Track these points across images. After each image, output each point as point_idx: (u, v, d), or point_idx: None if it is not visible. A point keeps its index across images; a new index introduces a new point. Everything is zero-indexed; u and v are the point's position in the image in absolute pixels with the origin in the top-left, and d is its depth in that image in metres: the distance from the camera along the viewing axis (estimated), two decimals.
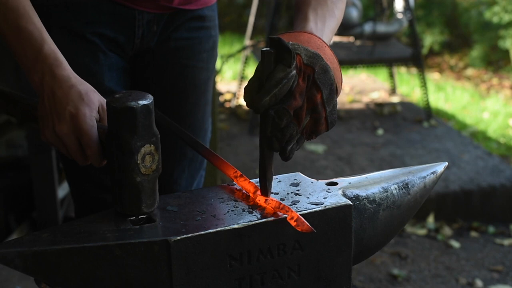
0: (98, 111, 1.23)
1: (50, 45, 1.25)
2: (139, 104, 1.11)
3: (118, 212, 1.16)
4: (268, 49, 1.13)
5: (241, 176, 1.25)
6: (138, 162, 1.12)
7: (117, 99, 1.13)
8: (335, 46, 5.13)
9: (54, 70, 1.23)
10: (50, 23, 1.46)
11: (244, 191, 1.24)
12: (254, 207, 1.18)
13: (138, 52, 1.59)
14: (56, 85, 1.22)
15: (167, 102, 1.62)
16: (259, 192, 1.21)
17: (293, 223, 1.12)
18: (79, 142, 1.21)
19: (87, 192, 1.60)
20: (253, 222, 1.12)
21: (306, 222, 1.11)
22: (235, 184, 1.27)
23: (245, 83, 1.17)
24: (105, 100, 1.21)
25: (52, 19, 1.46)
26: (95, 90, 1.25)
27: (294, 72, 1.13)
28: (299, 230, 1.11)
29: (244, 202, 1.20)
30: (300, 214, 1.13)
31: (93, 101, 1.22)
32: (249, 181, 1.24)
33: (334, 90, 1.20)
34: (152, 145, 1.14)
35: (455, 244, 3.44)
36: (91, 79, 1.51)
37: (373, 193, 1.28)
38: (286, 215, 1.13)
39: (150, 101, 1.13)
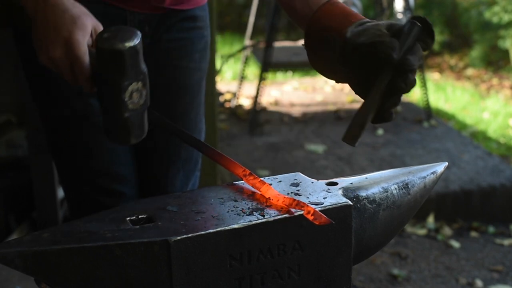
0: (91, 35, 1.22)
1: None
2: (126, 46, 1.11)
3: (118, 212, 1.15)
4: (419, 24, 1.16)
5: (250, 174, 1.24)
6: (126, 99, 1.13)
7: (105, 39, 1.12)
8: None
9: None
10: None
11: (251, 189, 1.23)
12: (264, 205, 1.17)
13: None
14: (49, 10, 1.21)
15: (161, 103, 1.61)
16: (269, 190, 1.20)
17: (310, 218, 1.12)
18: (72, 66, 1.20)
19: (85, 195, 1.59)
20: (253, 222, 1.12)
21: (324, 215, 1.11)
22: (235, 184, 1.26)
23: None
24: (98, 23, 1.21)
25: None
26: (89, 13, 1.24)
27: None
28: (317, 223, 1.11)
29: (254, 200, 1.19)
30: (299, 215, 1.13)
31: (86, 25, 1.21)
32: (260, 179, 1.23)
33: None
34: (140, 82, 1.14)
35: (455, 244, 3.44)
36: None
37: (373, 193, 1.28)
38: (302, 211, 1.13)
39: (137, 41, 1.13)
